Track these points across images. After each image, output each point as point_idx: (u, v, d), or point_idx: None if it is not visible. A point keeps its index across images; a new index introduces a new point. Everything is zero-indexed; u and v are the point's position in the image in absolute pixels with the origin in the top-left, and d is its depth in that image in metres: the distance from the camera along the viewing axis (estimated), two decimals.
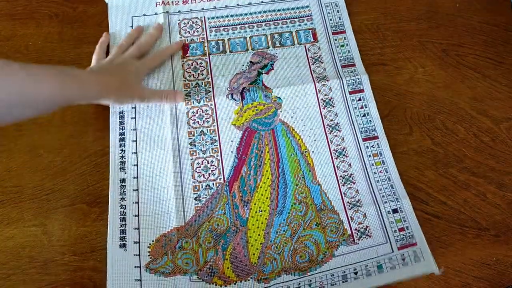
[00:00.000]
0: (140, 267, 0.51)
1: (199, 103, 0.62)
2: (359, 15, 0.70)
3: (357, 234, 0.54)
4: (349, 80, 0.63)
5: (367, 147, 0.59)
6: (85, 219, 0.54)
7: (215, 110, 0.62)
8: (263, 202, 0.56)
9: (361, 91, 0.63)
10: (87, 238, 0.53)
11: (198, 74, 0.64)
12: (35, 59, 0.65)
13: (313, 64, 0.66)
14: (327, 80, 0.63)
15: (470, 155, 0.60)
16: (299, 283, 0.51)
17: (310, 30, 0.69)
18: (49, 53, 0.65)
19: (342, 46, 0.67)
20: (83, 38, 0.66)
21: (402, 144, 0.61)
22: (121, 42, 0.62)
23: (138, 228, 0.54)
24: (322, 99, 0.63)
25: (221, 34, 0.68)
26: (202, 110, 0.61)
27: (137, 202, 0.55)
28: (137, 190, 0.56)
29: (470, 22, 0.70)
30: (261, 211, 0.55)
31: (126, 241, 0.53)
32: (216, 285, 0.51)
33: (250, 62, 0.66)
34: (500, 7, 0.71)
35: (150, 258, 0.52)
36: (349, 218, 0.55)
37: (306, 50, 0.67)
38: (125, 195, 0.55)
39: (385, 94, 0.64)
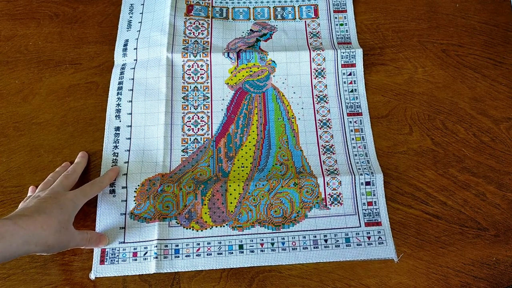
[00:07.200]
0: (125, 214, 0.54)
1: (195, 57, 0.64)
2: (359, 15, 0.70)
3: (330, 199, 0.56)
4: (343, 53, 0.65)
5: (350, 122, 0.62)
6: (85, 219, 0.54)
7: (210, 67, 0.64)
8: (246, 159, 0.59)
9: (353, 65, 0.65)
10: None
11: (199, 33, 0.66)
12: (35, 59, 0.65)
13: (310, 38, 0.68)
14: (322, 50, 0.65)
15: (470, 155, 0.60)
16: (273, 239, 0.54)
17: (313, 6, 0.71)
18: (49, 53, 0.65)
19: (342, 24, 0.69)
20: (83, 38, 0.67)
21: (402, 144, 0.61)
22: (47, 178, 0.54)
23: (126, 174, 0.56)
24: (314, 69, 0.65)
25: (226, 2, 0.70)
26: (198, 65, 0.63)
27: (129, 150, 0.58)
28: (130, 138, 0.59)
29: (470, 22, 0.70)
30: (243, 167, 0.58)
31: (115, 186, 0.55)
32: (193, 229, 0.54)
33: (250, 30, 0.68)
34: (500, 7, 0.71)
35: (135, 203, 0.55)
36: (325, 183, 0.56)
37: (306, 25, 0.69)
38: (118, 143, 0.58)
39: (385, 94, 0.64)
